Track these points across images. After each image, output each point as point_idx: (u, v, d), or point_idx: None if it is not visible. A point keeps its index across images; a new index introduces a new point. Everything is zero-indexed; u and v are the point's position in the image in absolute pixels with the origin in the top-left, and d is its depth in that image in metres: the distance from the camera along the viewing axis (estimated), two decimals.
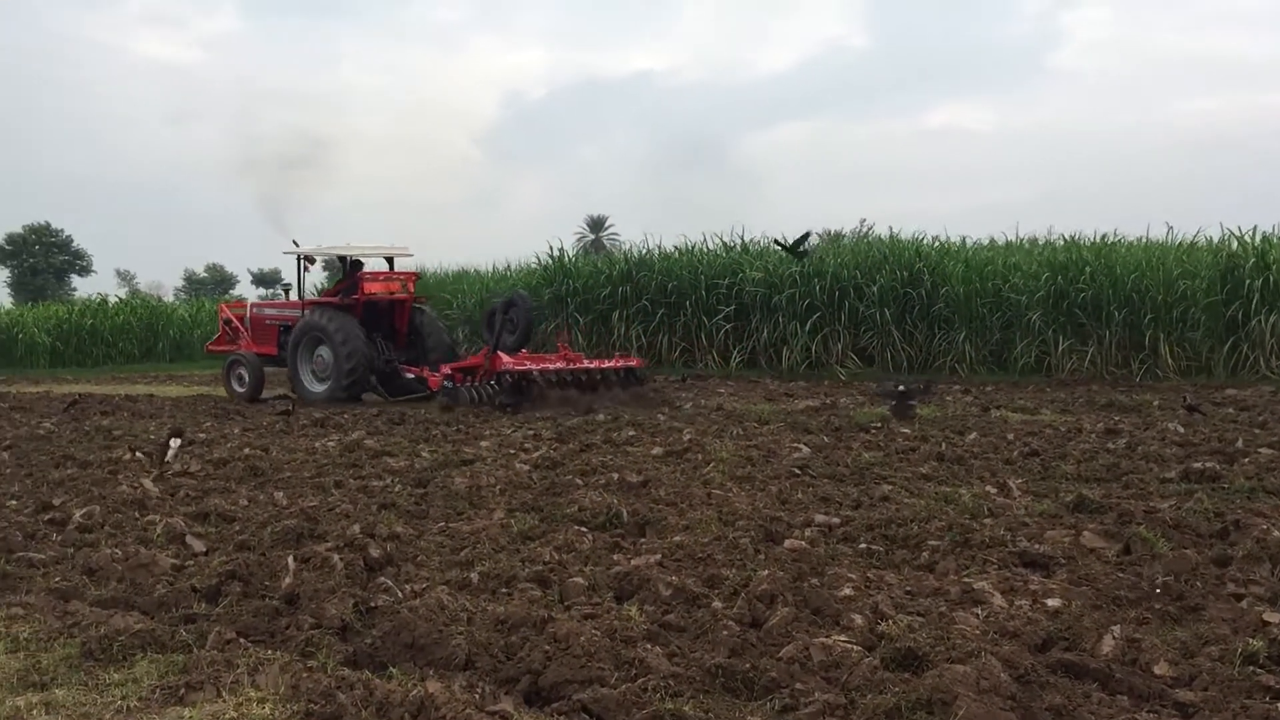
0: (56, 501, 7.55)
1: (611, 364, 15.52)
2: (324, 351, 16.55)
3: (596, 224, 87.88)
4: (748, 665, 3.78)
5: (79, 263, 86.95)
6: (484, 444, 10.18)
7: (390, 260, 18.36)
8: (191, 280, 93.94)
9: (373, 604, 4.71)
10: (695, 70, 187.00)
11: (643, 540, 6.05)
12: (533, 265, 25.62)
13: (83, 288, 78.16)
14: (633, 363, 15.93)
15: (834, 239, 27.69)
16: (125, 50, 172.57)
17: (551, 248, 24.98)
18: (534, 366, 14.59)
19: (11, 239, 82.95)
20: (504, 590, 5.01)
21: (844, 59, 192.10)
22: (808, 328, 19.85)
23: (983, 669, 3.59)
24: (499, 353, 14.96)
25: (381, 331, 17.33)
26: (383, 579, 5.19)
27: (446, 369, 15.51)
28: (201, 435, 11.50)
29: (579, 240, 79.18)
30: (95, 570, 5.56)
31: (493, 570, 5.29)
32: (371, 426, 12.12)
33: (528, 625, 4.31)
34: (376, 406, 14.97)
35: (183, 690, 3.71)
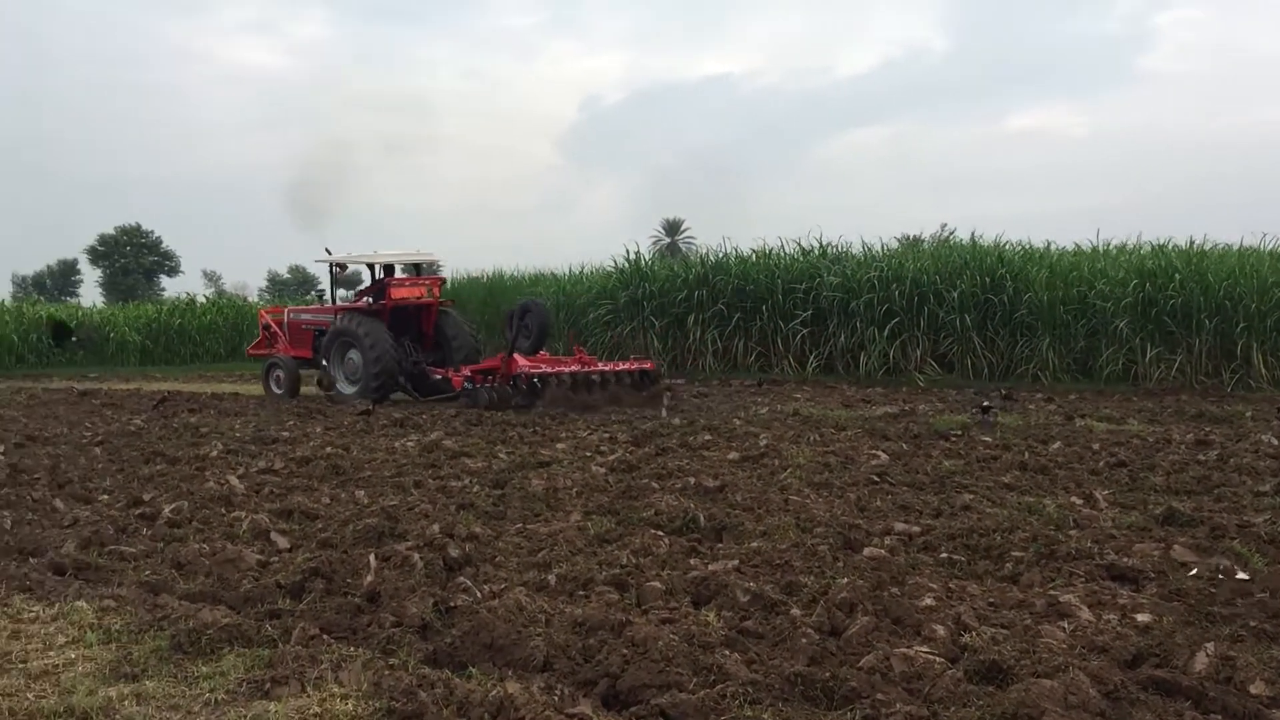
0: (146, 496, 7.75)
1: (625, 366, 16.21)
2: (354, 355, 17.36)
3: (672, 227, 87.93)
4: (827, 674, 3.74)
5: (168, 263, 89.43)
6: (560, 446, 10.23)
7: (417, 267, 19.29)
8: (275, 281, 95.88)
9: (452, 604, 4.75)
10: (772, 73, 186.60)
11: (720, 545, 6.02)
12: (609, 268, 25.71)
13: (171, 288, 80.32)
14: (646, 365, 16.54)
15: (913, 243, 27.34)
16: (217, 57, 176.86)
17: (628, 251, 25.07)
18: (548, 369, 15.35)
19: (104, 240, 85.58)
20: (581, 592, 5.03)
21: (925, 61, 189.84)
22: (886, 333, 19.60)
23: (1070, 684, 3.51)
24: (515, 355, 15.66)
25: (409, 335, 18.11)
26: (462, 579, 5.24)
27: (466, 370, 16.25)
28: (285, 434, 11.72)
29: (655, 244, 79.37)
30: (184, 564, 5.70)
31: (570, 572, 5.31)
32: (449, 428, 12.24)
33: (605, 628, 4.31)
34: (454, 408, 15.11)
35: (269, 684, 3.78)
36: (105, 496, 7.98)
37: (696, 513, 6.56)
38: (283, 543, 6.21)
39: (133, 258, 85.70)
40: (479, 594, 4.95)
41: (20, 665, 4.08)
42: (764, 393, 17.46)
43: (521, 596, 4.73)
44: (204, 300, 38.07)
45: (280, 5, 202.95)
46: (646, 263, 24.86)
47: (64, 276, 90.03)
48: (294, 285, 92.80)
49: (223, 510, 7.21)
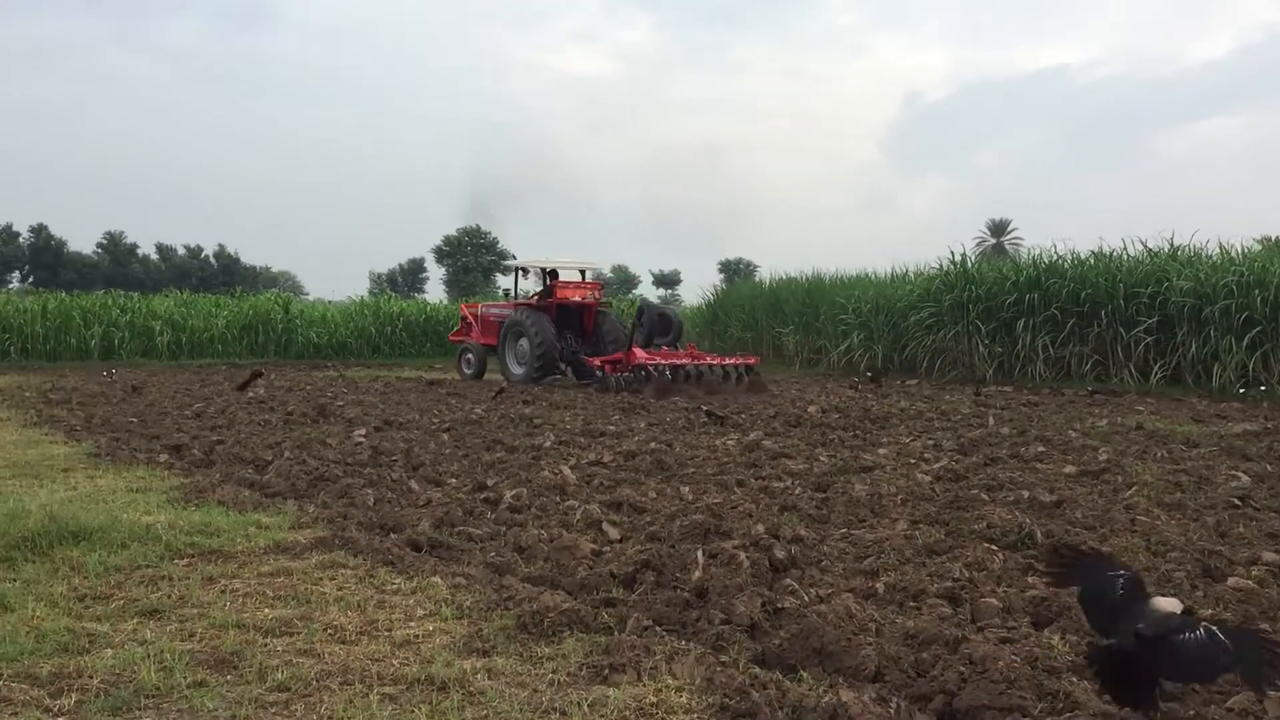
0: (489, 482, 8.26)
1: (732, 361, 19.19)
2: (523, 342, 20.96)
3: (998, 228, 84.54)
4: (1191, 712, 3.43)
5: (503, 262, 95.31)
6: (882, 452, 10.02)
7: (582, 272, 22.74)
8: (598, 279, 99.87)
9: (779, 605, 4.74)
10: (1116, 63, 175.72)
11: None
12: (932, 270, 24.98)
13: (505, 285, 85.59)
14: (750, 361, 19.38)
15: (1276, 245, 24.81)
16: (548, 66, 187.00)
17: (953, 253, 24.28)
18: (662, 361, 18.51)
19: (448, 241, 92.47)
20: (912, 604, 4.89)
21: None
22: (1245, 343, 17.90)
23: None
24: (634, 349, 19.13)
25: (572, 329, 21.66)
26: (788, 581, 5.22)
27: (598, 360, 19.69)
28: (611, 428, 12.17)
29: (978, 245, 76.58)
30: (524, 549, 6.02)
31: (899, 582, 5.17)
32: (769, 428, 12.28)
33: (939, 643, 4.16)
34: (773, 408, 15.14)
35: (607, 670, 3.91)
36: (453, 480, 8.56)
37: (1032, 528, 6.22)
38: (614, 533, 6.43)
39: (472, 257, 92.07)
40: (806, 597, 4.92)
41: (386, 633, 4.43)
42: (1101, 403, 16.39)
43: (850, 603, 4.65)
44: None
45: (608, 13, 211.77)
46: (973, 265, 23.97)
47: (413, 274, 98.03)
48: (616, 284, 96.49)
49: (557, 499, 7.56)
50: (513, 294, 23.45)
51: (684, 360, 18.73)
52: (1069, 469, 8.80)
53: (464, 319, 24.38)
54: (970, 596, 4.93)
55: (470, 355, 22.82)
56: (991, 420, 12.96)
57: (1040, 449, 10.07)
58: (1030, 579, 5.26)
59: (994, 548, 5.89)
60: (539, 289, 22.92)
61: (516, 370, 21.10)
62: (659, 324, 20.63)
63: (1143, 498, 7.40)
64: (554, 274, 22.34)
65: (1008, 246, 75.89)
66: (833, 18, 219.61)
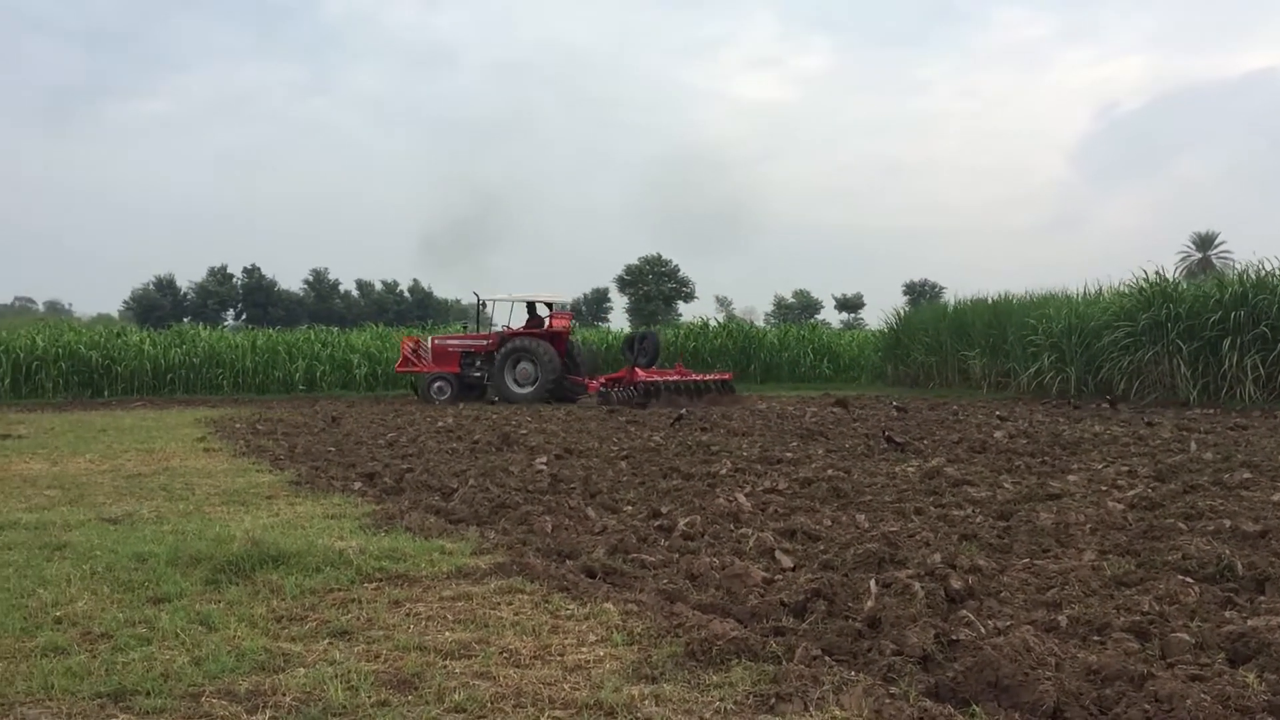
0: (664, 509, 8.33)
1: (711, 377, 25.41)
2: (526, 364, 24.66)
3: (1204, 241, 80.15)
4: None
5: (684, 290, 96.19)
6: (1071, 478, 9.63)
7: (550, 304, 26.60)
8: (780, 305, 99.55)
9: (954, 637, 4.61)
10: None
11: (1261, 598, 5.34)
12: (1125, 288, 23.91)
13: (686, 313, 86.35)
14: (725, 377, 25.98)
15: None
16: (724, 95, 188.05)
17: (1148, 272, 23.20)
18: (657, 378, 23.57)
19: (630, 270, 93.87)
20: (1095, 638, 4.69)
21: None
22: None
23: None
24: (635, 368, 23.77)
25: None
26: (964, 612, 5.08)
27: (602, 379, 24.15)
28: (788, 455, 12.10)
29: (1183, 260, 72.96)
30: (696, 576, 6.05)
31: (1083, 615, 4.97)
32: (951, 454, 11.98)
33: (1123, 679, 3.98)
34: (956, 433, 14.76)
35: (773, 700, 3.90)
36: (629, 507, 8.68)
37: (1233, 560, 5.87)
38: (786, 562, 6.39)
39: (654, 285, 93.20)
40: (982, 629, 4.78)
41: (558, 658, 4.54)
42: None
43: (1029, 636, 4.48)
44: (715, 324, 40.40)
45: (785, 40, 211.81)
46: (1172, 282, 22.82)
47: (597, 304, 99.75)
48: (798, 310, 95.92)
49: (731, 526, 7.58)
50: (478, 326, 26.75)
51: (674, 377, 24.09)
52: (1278, 497, 8.26)
53: (412, 350, 27.28)
54: (1160, 631, 4.69)
55: (441, 383, 25.80)
56: (1194, 445, 12.28)
57: (1246, 475, 9.49)
58: (1228, 614, 4.98)
59: (1189, 580, 5.58)
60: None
61: (519, 391, 24.60)
62: (652, 348, 25.68)
63: None
64: (532, 306, 26.37)
65: (1215, 261, 71.85)
66: (1017, 31, 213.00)
